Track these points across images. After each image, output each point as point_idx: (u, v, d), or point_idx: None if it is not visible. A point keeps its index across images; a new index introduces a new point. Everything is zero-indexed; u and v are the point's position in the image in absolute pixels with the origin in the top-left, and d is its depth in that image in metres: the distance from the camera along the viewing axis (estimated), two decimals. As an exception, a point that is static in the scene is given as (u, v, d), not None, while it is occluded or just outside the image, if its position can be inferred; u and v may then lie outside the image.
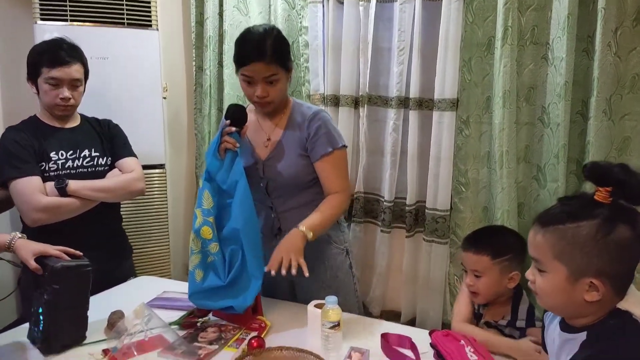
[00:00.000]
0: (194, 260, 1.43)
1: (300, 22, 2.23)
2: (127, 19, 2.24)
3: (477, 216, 2.01)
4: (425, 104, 2.06)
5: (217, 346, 1.32)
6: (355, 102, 2.17)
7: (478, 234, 1.52)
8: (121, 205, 1.98)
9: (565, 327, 0.95)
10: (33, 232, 1.71)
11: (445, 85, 1.96)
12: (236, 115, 1.48)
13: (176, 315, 1.48)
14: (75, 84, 1.72)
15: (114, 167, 1.85)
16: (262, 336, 1.35)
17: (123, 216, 2.02)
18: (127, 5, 2.22)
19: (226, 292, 1.42)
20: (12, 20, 2.23)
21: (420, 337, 1.36)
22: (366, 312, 2.25)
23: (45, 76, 1.67)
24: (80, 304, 1.29)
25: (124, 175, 1.83)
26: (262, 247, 1.46)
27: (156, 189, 2.37)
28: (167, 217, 2.41)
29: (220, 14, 2.34)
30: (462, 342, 1.18)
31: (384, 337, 1.32)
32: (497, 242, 1.43)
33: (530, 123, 1.89)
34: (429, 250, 2.07)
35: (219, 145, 1.46)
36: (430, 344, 1.29)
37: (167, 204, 2.40)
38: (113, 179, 1.81)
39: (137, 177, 1.84)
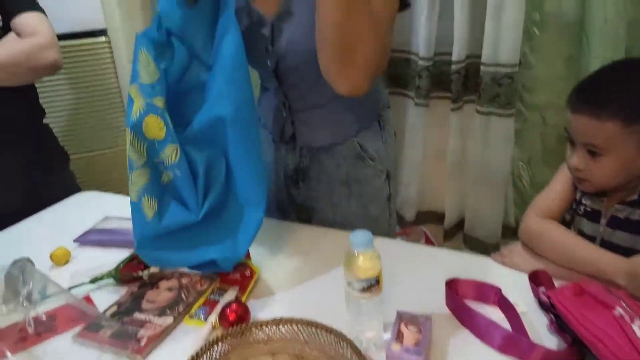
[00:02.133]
0: (138, 180, 0.81)
1: None
2: None
3: (558, 73, 1.37)
4: None
5: (170, 318, 0.79)
6: None
7: (597, 81, 0.84)
8: (50, 95, 1.37)
9: None
10: None
11: None
12: None
13: (116, 258, 0.94)
14: None
15: (10, 31, 1.20)
16: (243, 300, 0.81)
17: (57, 110, 1.41)
18: None
19: (201, 234, 0.83)
20: None
21: (516, 283, 0.80)
22: (397, 216, 1.72)
23: None
24: None
25: (22, 41, 1.18)
26: (261, 157, 0.85)
27: (100, 65, 1.72)
28: (122, 104, 1.78)
29: None
30: (619, 310, 0.61)
31: (452, 287, 0.78)
32: (631, 95, 0.78)
33: None
34: (486, 126, 1.46)
35: None
36: (539, 300, 0.74)
37: (118, 85, 1.76)
38: (2, 48, 1.16)
39: (43, 42, 1.18)
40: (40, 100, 1.38)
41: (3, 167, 1.25)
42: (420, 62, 1.48)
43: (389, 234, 1.09)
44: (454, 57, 1.43)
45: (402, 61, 1.57)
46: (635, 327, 0.58)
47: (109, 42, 1.77)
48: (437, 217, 1.65)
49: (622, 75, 0.83)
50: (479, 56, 1.41)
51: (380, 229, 1.06)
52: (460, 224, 1.61)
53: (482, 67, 1.40)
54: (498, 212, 1.49)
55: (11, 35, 1.20)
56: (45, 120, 1.41)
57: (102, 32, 1.74)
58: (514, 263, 0.85)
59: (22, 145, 1.30)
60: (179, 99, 0.82)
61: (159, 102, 0.78)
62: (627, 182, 0.82)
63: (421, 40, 1.45)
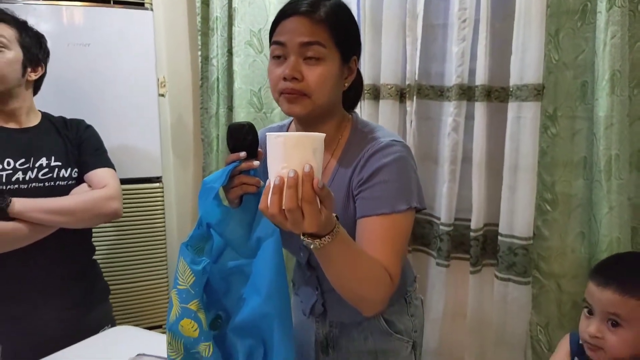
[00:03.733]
0: None
1: (329, -5, 1.75)
2: (115, -4, 1.81)
3: (570, 246, 1.47)
4: (496, 94, 1.54)
5: None
6: (401, 94, 1.67)
7: (621, 264, 1.00)
8: (95, 232, 1.53)
9: None
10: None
11: (526, 67, 1.44)
12: (249, 137, 0.95)
13: (148, 399, 1.00)
14: None
15: (83, 182, 1.41)
16: None
17: (107, 247, 1.57)
18: (114, -20, 1.80)
19: None
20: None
21: None
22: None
23: None
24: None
25: (92, 192, 1.37)
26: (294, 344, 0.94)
27: (151, 209, 1.91)
28: (164, 247, 1.94)
29: (230, -10, 1.88)
30: None
31: None
32: None
33: (647, 117, 1.36)
34: (504, 291, 1.53)
35: (230, 188, 0.95)
36: None
37: (164, 228, 1.93)
38: (75, 197, 1.35)
39: (109, 194, 1.37)
40: (93, 239, 1.52)
41: (51, 302, 1.35)
42: (442, 227, 1.61)
43: None
44: (473, 226, 1.56)
45: (425, 222, 1.71)
46: None
47: (162, 188, 1.99)
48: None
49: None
50: (496, 225, 1.54)
51: None
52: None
53: (500, 237, 1.53)
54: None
55: (84, 186, 1.39)
56: (94, 257, 1.52)
57: (158, 179, 1.97)
58: None
59: (71, 280, 1.40)
60: (216, 283, 0.94)
61: (194, 305, 0.89)
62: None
63: (443, 207, 1.61)
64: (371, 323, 1.09)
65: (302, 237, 0.80)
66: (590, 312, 0.94)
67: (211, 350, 0.88)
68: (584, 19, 1.39)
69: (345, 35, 0.98)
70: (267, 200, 0.74)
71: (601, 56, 1.32)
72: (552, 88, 1.45)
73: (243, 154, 0.93)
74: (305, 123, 1.03)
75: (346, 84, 1.02)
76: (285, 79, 0.93)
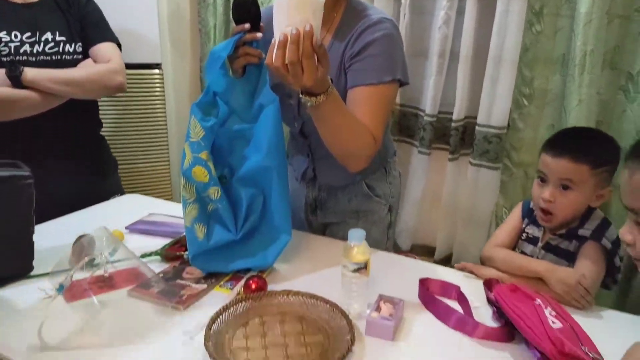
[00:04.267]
0: (191, 212, 1.04)
1: None
2: None
3: (541, 136, 1.61)
4: (488, -11, 1.60)
5: (205, 285, 1.01)
6: (396, -13, 1.72)
7: (572, 136, 1.15)
8: (104, 110, 1.64)
9: None
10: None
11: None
12: (253, 10, 1.03)
13: (159, 243, 1.18)
14: None
15: (88, 57, 1.48)
16: (263, 276, 1.04)
17: (112, 125, 1.68)
18: None
19: (240, 249, 1.06)
20: None
21: (472, 288, 1.03)
22: (395, 246, 1.94)
23: None
24: (21, 227, 0.99)
25: (98, 65, 1.45)
26: (289, 195, 1.10)
27: (152, 93, 2.02)
28: (165, 128, 2.07)
29: None
30: (539, 301, 0.84)
31: (424, 283, 1.00)
32: (599, 149, 1.08)
33: (625, 16, 1.44)
34: (476, 176, 1.70)
35: (236, 59, 1.05)
36: (488, 299, 0.96)
37: (165, 112, 2.05)
38: (83, 69, 1.43)
39: (114, 68, 1.44)
40: (100, 116, 1.63)
41: (61, 167, 1.47)
42: (426, 118, 1.74)
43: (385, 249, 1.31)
44: (454, 117, 1.69)
45: (411, 115, 1.83)
46: (546, 313, 0.80)
47: (162, 75, 2.07)
48: (428, 251, 1.86)
49: (591, 134, 1.16)
50: (475, 117, 1.67)
51: (379, 247, 1.27)
52: (448, 259, 1.82)
53: (477, 127, 1.66)
54: (481, 248, 1.70)
55: (89, 61, 1.47)
56: (101, 132, 1.64)
57: (157, 66, 2.04)
58: (480, 272, 1.08)
59: (80, 150, 1.52)
60: (222, 145, 1.07)
61: (204, 155, 1.02)
62: (571, 219, 1.06)
63: (428, 100, 1.72)
64: (355, 187, 1.25)
65: (300, 95, 0.93)
66: (543, 180, 1.10)
67: (219, 193, 1.03)
68: None
69: None
70: (273, 55, 0.85)
71: (588, -49, 1.37)
72: (540, -15, 1.51)
73: (247, 25, 1.02)
74: None
75: None
76: None
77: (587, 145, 1.07)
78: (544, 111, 1.61)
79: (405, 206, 1.88)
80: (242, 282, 1.01)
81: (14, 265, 1.00)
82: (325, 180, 1.26)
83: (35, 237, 1.05)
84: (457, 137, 1.71)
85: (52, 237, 1.16)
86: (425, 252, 1.86)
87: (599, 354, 0.77)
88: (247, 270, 1.06)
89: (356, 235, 0.89)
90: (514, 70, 1.57)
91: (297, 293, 0.96)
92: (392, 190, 1.30)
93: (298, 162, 1.30)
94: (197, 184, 1.03)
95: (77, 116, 1.48)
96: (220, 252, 1.06)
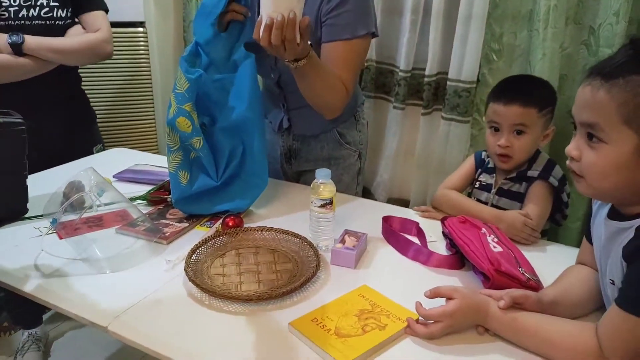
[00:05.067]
0: (175, 159, 1.13)
1: None
2: None
3: (509, 91, 1.69)
4: (460, -55, 1.64)
5: (187, 224, 1.11)
6: (371, -56, 1.75)
7: (518, 83, 1.25)
8: (90, 67, 1.70)
9: (615, 215, 0.73)
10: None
11: None
12: None
13: (145, 189, 1.26)
14: None
15: (76, 22, 1.55)
16: (241, 216, 1.13)
17: (96, 79, 1.74)
18: None
19: (220, 193, 1.16)
20: None
21: (430, 224, 1.13)
22: (371, 199, 2.03)
23: None
24: (15, 170, 1.07)
25: (89, 35, 1.54)
26: (266, 144, 1.20)
27: (136, 51, 2.06)
28: (150, 84, 2.12)
29: None
30: (484, 230, 0.94)
31: (386, 220, 1.10)
32: (542, 91, 1.19)
33: (589, -28, 1.50)
34: (447, 130, 1.78)
35: (223, 14, 1.13)
36: (442, 232, 1.06)
37: (150, 69, 2.10)
38: (76, 38, 1.52)
39: (103, 37, 1.54)
40: (85, 74, 1.70)
41: (49, 115, 1.55)
42: (400, 74, 1.81)
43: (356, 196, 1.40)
44: (427, 72, 1.76)
45: (387, 72, 1.90)
46: (489, 239, 0.91)
47: (146, 33, 2.11)
48: (404, 203, 1.96)
49: (532, 80, 1.27)
50: (447, 73, 1.74)
51: (349, 193, 1.38)
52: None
53: (448, 82, 1.74)
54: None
55: (78, 29, 1.54)
56: (82, 87, 1.71)
57: (141, 24, 2.08)
58: (432, 216, 1.18)
59: (64, 101, 1.60)
60: (203, 93, 1.13)
61: (188, 107, 1.09)
62: (525, 160, 1.16)
63: (402, 56, 1.78)
64: (327, 135, 1.34)
65: (285, 60, 1.04)
66: (497, 129, 1.19)
67: (201, 143, 1.11)
68: None
69: None
70: (260, 33, 0.97)
71: None
72: (509, -60, 1.56)
73: None
74: None
75: None
76: None
77: (532, 91, 1.16)
78: (512, 66, 1.69)
79: (381, 161, 1.97)
80: (221, 220, 1.10)
81: (10, 207, 1.08)
82: (299, 130, 1.35)
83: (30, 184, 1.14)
84: (430, 92, 1.78)
85: (42, 185, 1.23)
86: (401, 204, 1.94)
87: (536, 275, 0.88)
88: (226, 212, 1.15)
89: (323, 174, 0.98)
90: (483, 26, 1.63)
91: (270, 229, 1.05)
92: (361, 138, 1.39)
93: (274, 115, 1.38)
94: (181, 133, 1.11)
95: (63, 76, 1.56)
96: (202, 196, 1.15)
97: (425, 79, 1.77)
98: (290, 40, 0.96)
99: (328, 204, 0.99)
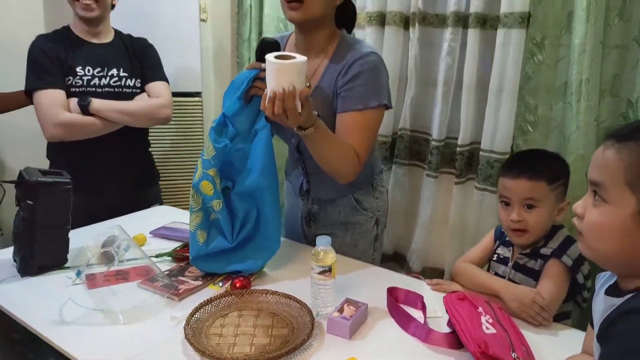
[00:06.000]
0: (195, 219, 1.22)
1: None
2: None
3: (544, 163, 1.65)
4: (491, 22, 1.69)
5: (201, 282, 1.17)
6: (405, 22, 1.85)
7: (527, 158, 1.24)
8: (152, 131, 1.90)
9: (614, 290, 0.70)
10: (52, 147, 1.70)
11: (515, -5, 1.58)
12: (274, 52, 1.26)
13: (174, 246, 1.36)
14: None
15: (144, 91, 1.76)
16: (251, 278, 1.18)
17: (156, 141, 1.92)
18: None
19: (235, 255, 1.23)
20: None
21: (438, 296, 1.12)
22: (406, 267, 2.02)
23: None
24: (59, 224, 1.20)
25: (150, 100, 1.74)
26: (279, 210, 1.27)
27: (192, 117, 2.26)
28: (202, 148, 2.29)
29: None
30: (480, 309, 0.92)
31: (391, 292, 1.10)
32: (552, 165, 1.18)
33: (623, 46, 1.48)
34: (481, 199, 1.76)
35: (247, 90, 1.25)
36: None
37: (202, 133, 2.29)
38: (138, 102, 1.72)
39: (163, 103, 1.73)
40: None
41: (112, 178, 1.73)
42: (433, 142, 1.83)
43: (372, 262, 1.40)
44: (459, 142, 1.77)
45: (421, 140, 1.93)
46: (483, 319, 0.89)
47: (201, 101, 2.31)
48: (438, 273, 1.92)
49: (541, 154, 1.25)
50: (479, 143, 1.74)
51: (366, 259, 1.39)
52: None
53: (481, 152, 1.73)
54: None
55: (144, 95, 1.75)
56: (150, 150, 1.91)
57: (198, 94, 2.29)
58: (443, 289, 1.16)
59: (130, 165, 1.78)
60: (227, 161, 1.24)
61: (212, 172, 1.19)
62: (542, 236, 1.13)
63: (435, 125, 1.82)
64: (343, 200, 1.38)
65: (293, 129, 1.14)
66: (507, 204, 1.17)
67: (221, 205, 1.20)
68: (575, -48, 1.50)
69: None
70: (265, 105, 1.08)
71: (579, -13, 1.45)
72: (541, 17, 1.58)
73: (263, 65, 1.18)
74: (303, 29, 1.28)
75: (338, 2, 1.27)
76: None
77: (540, 164, 1.15)
78: (548, 138, 1.66)
79: (415, 229, 1.96)
80: (231, 281, 1.16)
81: (52, 256, 1.21)
82: (317, 193, 1.40)
83: (76, 236, 1.27)
84: (463, 161, 1.78)
85: (89, 237, 1.37)
86: (437, 274, 1.92)
87: (533, 361, 0.84)
88: (239, 272, 1.21)
89: (323, 241, 1.02)
90: (514, 99, 1.64)
91: (274, 293, 1.09)
92: (379, 205, 1.42)
93: (295, 177, 1.45)
94: (204, 195, 1.20)
95: (132, 139, 1.75)
96: (217, 256, 1.22)
97: (458, 149, 1.79)
98: (291, 109, 1.05)
99: (327, 271, 1.01)
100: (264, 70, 1.19)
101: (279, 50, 1.23)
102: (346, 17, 1.36)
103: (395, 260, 2.08)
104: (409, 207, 1.98)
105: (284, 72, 1.05)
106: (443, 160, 1.85)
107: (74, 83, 1.65)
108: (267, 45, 1.23)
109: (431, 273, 1.95)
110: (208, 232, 1.23)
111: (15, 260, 1.22)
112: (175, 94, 2.12)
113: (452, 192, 1.84)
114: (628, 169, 0.65)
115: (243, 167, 1.25)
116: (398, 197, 1.98)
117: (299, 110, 1.06)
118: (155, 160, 1.94)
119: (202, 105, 2.28)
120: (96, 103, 1.62)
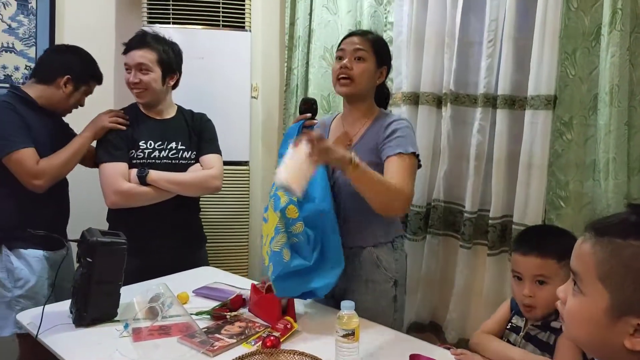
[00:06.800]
0: (280, 239, 1.37)
1: (386, 18, 2.12)
2: (223, 21, 2.35)
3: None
4: (519, 103, 1.79)
5: (235, 340, 1.26)
6: (438, 101, 1.98)
7: (536, 234, 1.28)
8: (203, 197, 2.05)
9: None
10: (112, 211, 1.86)
11: (541, 80, 1.68)
12: (314, 106, 1.62)
13: (214, 305, 1.46)
14: (141, 68, 1.80)
15: (199, 161, 1.92)
16: (281, 338, 1.26)
17: (206, 207, 2.06)
18: (223, 8, 2.33)
19: (312, 272, 1.37)
20: (125, 22, 2.50)
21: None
22: (441, 338, 2.01)
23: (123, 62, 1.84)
24: (113, 280, 1.33)
25: (202, 171, 1.88)
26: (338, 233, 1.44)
27: (239, 185, 2.42)
28: (248, 214, 2.44)
29: (310, 14, 2.32)
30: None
31: (413, 359, 1.14)
32: (562, 243, 1.17)
33: (652, 126, 1.54)
34: (514, 272, 1.77)
35: (299, 135, 1.42)
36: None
37: (248, 200, 2.44)
38: (191, 174, 1.87)
39: (214, 174, 1.88)
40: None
41: (166, 239, 1.85)
42: (467, 214, 1.89)
43: (393, 324, 1.45)
44: (491, 214, 1.82)
45: (455, 211, 1.99)
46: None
47: (248, 170, 2.49)
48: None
49: (550, 230, 1.34)
50: (512, 216, 1.79)
51: (386, 319, 1.45)
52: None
53: (513, 225, 1.77)
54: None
55: (197, 165, 1.91)
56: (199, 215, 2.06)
57: (246, 163, 2.48)
58: (466, 359, 1.19)
59: (182, 229, 1.91)
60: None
61: (295, 198, 1.35)
62: (553, 311, 1.15)
63: (468, 198, 1.88)
64: (365, 252, 1.49)
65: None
66: (519, 279, 1.21)
67: (302, 227, 1.36)
68: (597, 40, 1.60)
69: (380, 50, 1.53)
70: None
71: (603, 73, 1.53)
72: (568, 99, 1.67)
73: (309, 114, 1.55)
74: (350, 101, 1.56)
75: (378, 82, 1.55)
76: (341, 67, 1.47)
77: (548, 241, 1.19)
78: (581, 213, 1.69)
79: (450, 298, 1.97)
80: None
81: (104, 310, 1.34)
82: (343, 238, 1.47)
83: (127, 292, 1.40)
84: (495, 234, 1.82)
85: (138, 292, 1.50)
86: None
87: None
88: (313, 294, 1.39)
89: (347, 305, 1.10)
90: (544, 174, 1.69)
91: (302, 353, 1.16)
92: (398, 267, 1.51)
93: None
94: (287, 219, 1.37)
95: (184, 205, 1.89)
96: (297, 275, 1.36)
97: (490, 221, 1.83)
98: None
99: (351, 334, 1.08)
100: (308, 119, 1.52)
101: (317, 106, 1.60)
102: (382, 96, 1.62)
103: (432, 330, 2.08)
104: (444, 276, 2.01)
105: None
106: (476, 232, 1.90)
107: (136, 155, 1.83)
108: (308, 100, 1.65)
109: (466, 345, 1.93)
110: (291, 251, 1.36)
111: (71, 312, 1.35)
112: (225, 162, 2.30)
113: (485, 263, 1.87)
114: (599, 265, 0.66)
115: (308, 195, 1.42)
116: (433, 267, 2.02)
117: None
118: (203, 224, 2.08)
119: (249, 173, 2.45)
120: (153, 174, 1.78)
